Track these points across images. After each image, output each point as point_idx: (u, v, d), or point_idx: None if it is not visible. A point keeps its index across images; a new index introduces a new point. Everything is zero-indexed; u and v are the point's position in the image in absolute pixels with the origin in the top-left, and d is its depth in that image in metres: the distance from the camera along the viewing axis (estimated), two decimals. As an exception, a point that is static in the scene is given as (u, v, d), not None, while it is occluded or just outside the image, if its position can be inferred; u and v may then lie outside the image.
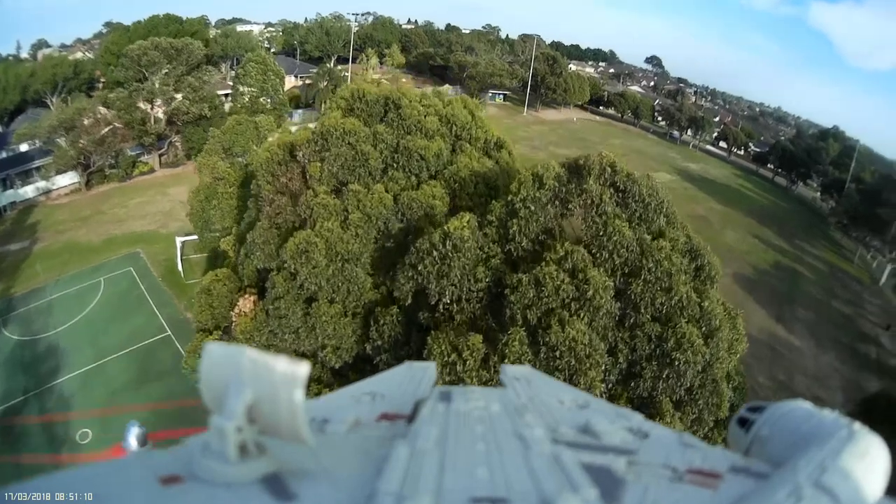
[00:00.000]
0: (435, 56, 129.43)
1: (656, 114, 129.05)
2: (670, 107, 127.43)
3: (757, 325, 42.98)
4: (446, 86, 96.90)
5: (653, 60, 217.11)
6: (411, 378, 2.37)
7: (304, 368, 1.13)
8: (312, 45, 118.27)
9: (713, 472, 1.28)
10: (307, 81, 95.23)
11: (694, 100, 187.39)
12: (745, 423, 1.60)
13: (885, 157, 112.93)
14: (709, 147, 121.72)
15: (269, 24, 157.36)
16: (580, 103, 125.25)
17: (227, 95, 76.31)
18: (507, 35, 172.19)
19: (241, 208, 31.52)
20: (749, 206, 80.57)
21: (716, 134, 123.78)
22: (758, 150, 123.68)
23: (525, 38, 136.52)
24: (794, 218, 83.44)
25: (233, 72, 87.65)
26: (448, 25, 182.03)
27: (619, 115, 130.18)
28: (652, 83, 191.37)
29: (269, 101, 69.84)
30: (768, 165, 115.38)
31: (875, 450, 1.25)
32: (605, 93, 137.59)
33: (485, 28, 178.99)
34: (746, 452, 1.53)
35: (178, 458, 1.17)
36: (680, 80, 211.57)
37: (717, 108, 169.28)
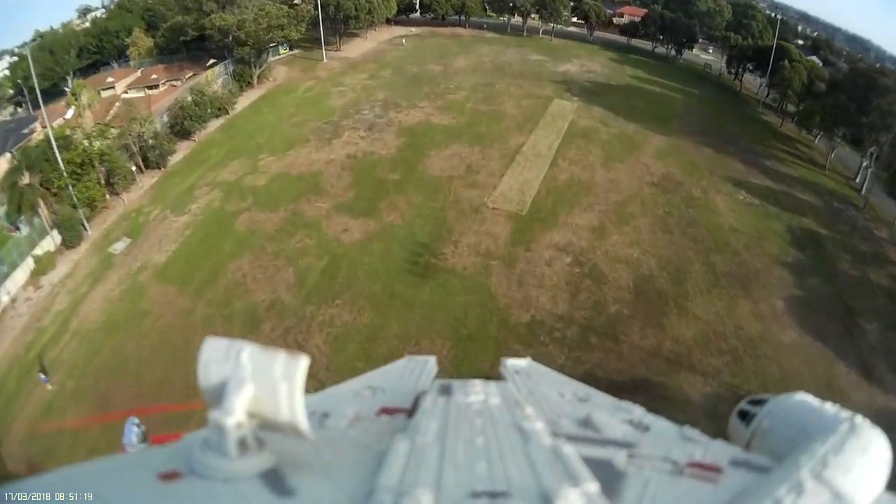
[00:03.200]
0: (184, 27, 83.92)
1: (486, 6, 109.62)
2: None
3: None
4: (212, 68, 75.48)
5: None
6: (411, 371, 2.43)
7: (303, 362, 1.20)
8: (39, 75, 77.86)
9: (714, 465, 1.37)
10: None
11: None
12: (745, 416, 1.68)
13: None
14: (568, 29, 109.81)
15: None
16: (389, 17, 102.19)
17: None
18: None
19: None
20: (682, 122, 66.96)
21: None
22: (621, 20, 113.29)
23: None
24: (736, 121, 71.53)
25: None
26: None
27: (440, 17, 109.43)
28: None
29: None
30: (641, 36, 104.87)
31: (876, 444, 1.33)
32: None
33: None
34: (747, 446, 1.61)
35: (178, 454, 1.22)
36: None
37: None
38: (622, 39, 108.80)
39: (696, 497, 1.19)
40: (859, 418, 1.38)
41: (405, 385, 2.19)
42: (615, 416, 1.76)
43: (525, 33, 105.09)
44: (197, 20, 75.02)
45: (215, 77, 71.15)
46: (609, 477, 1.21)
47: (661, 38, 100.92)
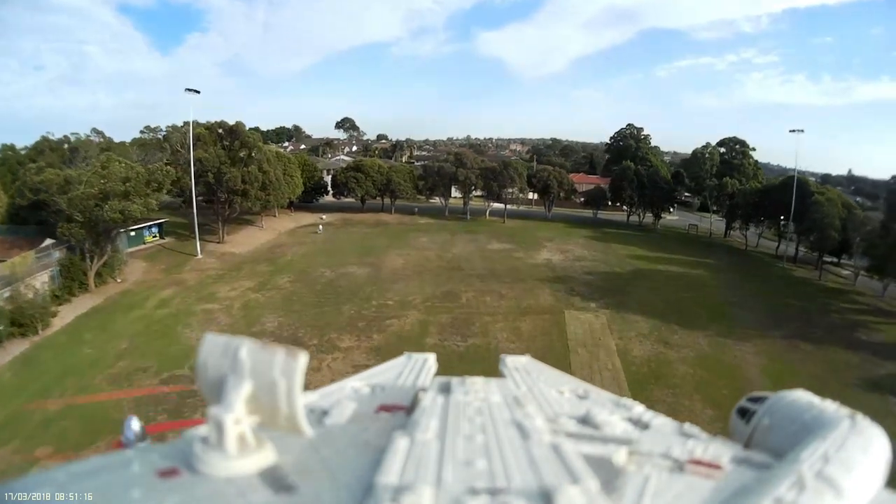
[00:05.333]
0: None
1: (418, 186, 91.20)
2: (433, 166, 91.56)
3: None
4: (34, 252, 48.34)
5: (345, 124, 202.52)
6: (410, 369, 2.45)
7: (302, 359, 1.22)
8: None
9: (714, 462, 1.37)
10: None
11: (409, 152, 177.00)
12: (745, 414, 1.69)
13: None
14: (519, 208, 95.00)
15: None
16: (291, 200, 79.80)
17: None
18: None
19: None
20: (739, 310, 51.77)
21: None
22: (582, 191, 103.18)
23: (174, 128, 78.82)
24: (782, 290, 60.10)
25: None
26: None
27: (359, 201, 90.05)
28: (354, 148, 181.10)
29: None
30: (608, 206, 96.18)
31: (877, 441, 1.36)
32: (326, 172, 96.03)
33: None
34: (747, 443, 1.62)
35: (177, 451, 1.25)
36: (380, 136, 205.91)
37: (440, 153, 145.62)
38: (586, 212, 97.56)
39: (696, 494, 1.20)
40: (860, 416, 1.44)
41: (404, 382, 2.21)
42: (615, 413, 1.79)
43: (468, 216, 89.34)
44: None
45: (32, 267, 44.71)
46: (609, 474, 1.24)
47: (637, 202, 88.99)
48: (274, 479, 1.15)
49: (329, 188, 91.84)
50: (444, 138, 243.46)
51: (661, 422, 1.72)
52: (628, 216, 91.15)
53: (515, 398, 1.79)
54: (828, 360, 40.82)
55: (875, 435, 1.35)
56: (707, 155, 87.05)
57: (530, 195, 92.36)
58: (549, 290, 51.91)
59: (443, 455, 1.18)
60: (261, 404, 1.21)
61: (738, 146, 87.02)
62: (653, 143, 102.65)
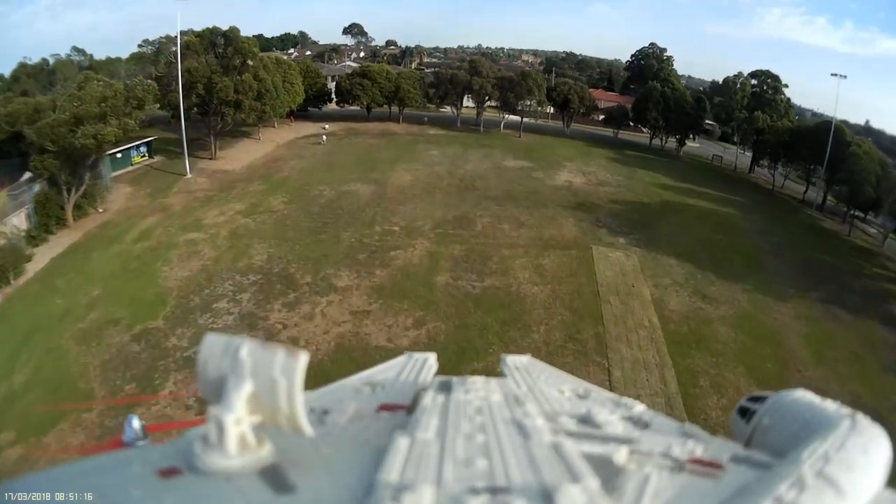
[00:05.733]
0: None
1: (428, 94, 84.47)
2: (445, 74, 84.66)
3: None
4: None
5: (353, 29, 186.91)
6: (411, 368, 2.47)
7: (303, 359, 1.23)
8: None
9: (714, 461, 1.38)
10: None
11: (419, 59, 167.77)
12: (746, 413, 1.70)
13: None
14: (536, 122, 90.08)
15: None
16: (292, 109, 73.50)
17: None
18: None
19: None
20: (775, 261, 47.79)
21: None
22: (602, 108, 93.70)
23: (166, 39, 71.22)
24: (814, 243, 55.36)
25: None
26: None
27: (365, 109, 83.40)
28: (362, 54, 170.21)
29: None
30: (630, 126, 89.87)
31: (877, 441, 1.34)
32: (331, 79, 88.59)
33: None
34: (748, 442, 1.63)
35: (177, 451, 1.25)
36: (389, 42, 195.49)
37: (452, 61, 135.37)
38: (606, 131, 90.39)
39: (696, 493, 1.21)
40: (860, 415, 1.43)
41: (405, 381, 2.23)
42: (615, 412, 1.80)
43: (481, 128, 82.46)
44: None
45: (6, 208, 40.68)
46: (609, 473, 1.24)
47: (663, 125, 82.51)
48: (274, 478, 1.15)
49: (333, 96, 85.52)
50: (455, 46, 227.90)
51: (661, 421, 1.73)
52: (651, 139, 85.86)
53: (516, 397, 1.82)
54: (865, 335, 37.62)
55: (876, 435, 1.35)
56: (739, 85, 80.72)
57: (548, 109, 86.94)
58: (572, 218, 47.61)
59: (443, 454, 1.19)
60: (261, 404, 1.22)
61: (769, 80, 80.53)
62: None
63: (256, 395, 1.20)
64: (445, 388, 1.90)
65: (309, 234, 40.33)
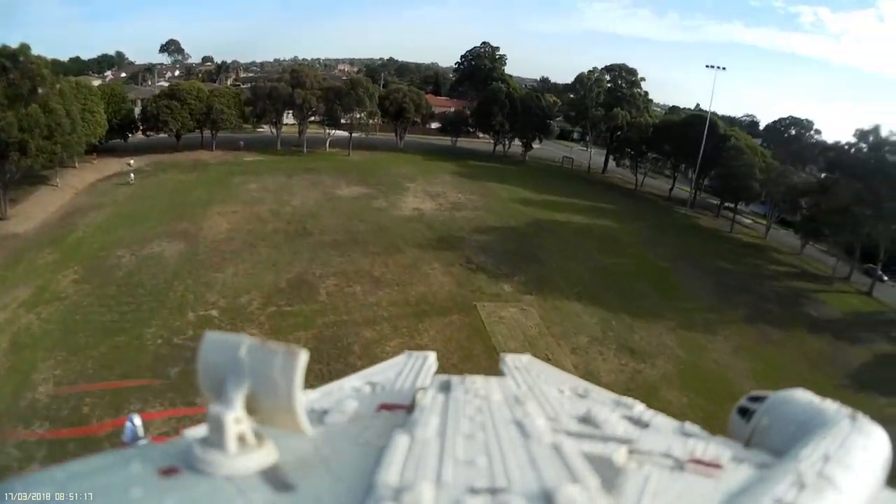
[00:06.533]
0: None
1: (245, 112, 72.43)
2: (264, 88, 72.80)
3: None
4: None
5: (170, 47, 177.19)
6: (411, 368, 2.43)
7: (302, 357, 1.21)
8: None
9: (714, 461, 1.37)
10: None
11: (235, 74, 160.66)
12: (745, 413, 1.70)
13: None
14: (370, 136, 77.77)
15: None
16: (96, 144, 59.63)
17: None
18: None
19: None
20: (684, 281, 44.81)
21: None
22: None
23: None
24: (710, 248, 55.24)
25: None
26: None
27: (174, 136, 70.10)
28: (177, 73, 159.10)
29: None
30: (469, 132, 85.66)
31: (877, 440, 1.38)
32: (137, 102, 74.72)
33: None
34: (747, 442, 1.62)
35: (177, 450, 1.24)
36: (206, 59, 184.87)
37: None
38: (443, 140, 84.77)
39: (696, 493, 1.20)
40: (860, 415, 1.46)
41: (404, 381, 2.18)
42: (615, 412, 1.79)
43: (305, 149, 72.42)
44: None
45: None
46: (609, 473, 1.22)
47: (509, 129, 77.77)
48: (274, 477, 1.15)
49: (139, 123, 70.19)
50: (272, 59, 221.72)
51: (661, 421, 1.73)
52: (494, 146, 79.85)
53: (516, 397, 1.81)
54: (802, 351, 37.22)
55: (875, 434, 1.37)
56: (594, 81, 75.69)
57: (379, 121, 77.19)
58: (437, 263, 38.03)
59: (443, 454, 1.19)
60: (261, 403, 1.21)
61: (625, 74, 77.02)
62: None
63: (256, 394, 1.20)
64: (445, 388, 1.88)
65: (103, 336, 27.59)
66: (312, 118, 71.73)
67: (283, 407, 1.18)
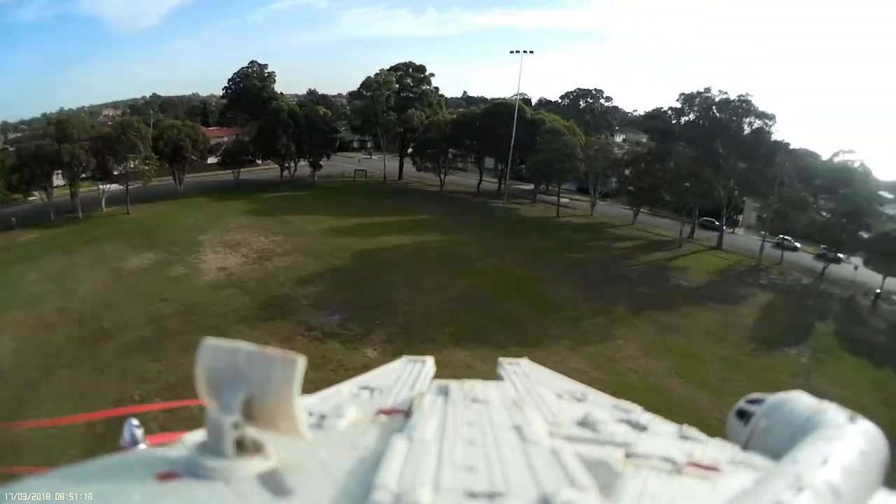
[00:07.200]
0: None
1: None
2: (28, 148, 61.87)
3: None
4: None
5: None
6: (409, 372, 2.46)
7: (300, 363, 1.21)
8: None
9: (712, 464, 1.40)
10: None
11: (3, 137, 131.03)
12: (744, 416, 1.72)
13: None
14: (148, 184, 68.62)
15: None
16: None
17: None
18: None
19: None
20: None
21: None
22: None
23: None
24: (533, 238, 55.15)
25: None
26: None
27: None
28: None
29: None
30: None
31: (875, 442, 1.40)
32: None
33: None
34: (746, 445, 1.65)
35: (176, 455, 1.27)
36: None
37: None
38: (224, 175, 76.51)
39: (694, 496, 1.25)
40: (858, 417, 1.48)
41: (403, 386, 2.21)
42: (613, 415, 1.84)
43: (80, 213, 60.79)
44: None
45: None
46: (607, 477, 1.26)
47: (295, 151, 72.62)
48: (272, 483, 1.17)
49: None
50: (39, 115, 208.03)
51: (659, 424, 1.77)
52: (282, 171, 74.47)
53: (514, 401, 1.85)
54: (702, 330, 38.01)
55: (874, 436, 1.40)
56: (382, 83, 72.04)
57: (156, 165, 66.65)
58: (273, 339, 30.73)
59: (441, 458, 1.22)
60: (259, 408, 1.22)
61: (412, 71, 75.06)
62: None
63: (254, 399, 1.20)
64: (443, 392, 1.93)
65: None
66: (84, 175, 61.09)
67: (282, 412, 1.19)
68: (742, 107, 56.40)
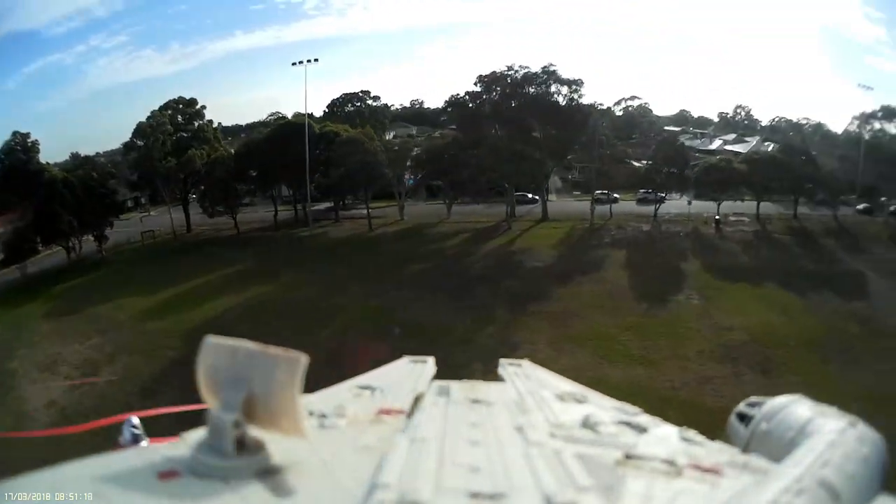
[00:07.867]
0: None
1: None
2: None
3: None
4: None
5: None
6: (410, 372, 2.44)
7: (302, 362, 1.23)
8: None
9: (713, 467, 1.38)
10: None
11: None
12: (744, 419, 1.76)
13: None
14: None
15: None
16: None
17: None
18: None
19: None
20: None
21: None
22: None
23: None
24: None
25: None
26: None
27: None
28: None
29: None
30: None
31: (875, 446, 1.40)
32: None
33: None
34: (746, 448, 1.66)
35: (176, 453, 1.26)
36: None
37: None
38: (9, 273, 64.15)
39: (694, 499, 1.23)
40: (858, 421, 1.49)
41: (404, 386, 2.19)
42: (614, 417, 1.81)
43: None
44: None
45: None
46: (608, 479, 1.25)
47: (77, 229, 63.80)
48: (273, 482, 1.17)
49: None
50: None
51: (660, 427, 1.75)
52: (68, 252, 65.38)
53: (515, 402, 1.88)
54: (589, 306, 37.80)
55: (873, 440, 1.41)
56: (157, 127, 65.48)
57: None
58: None
59: (443, 458, 1.22)
60: (260, 407, 1.24)
61: (182, 106, 69.07)
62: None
63: (256, 398, 1.22)
64: (445, 393, 1.94)
65: None
66: None
67: (283, 411, 1.21)
68: (549, 78, 57.59)
